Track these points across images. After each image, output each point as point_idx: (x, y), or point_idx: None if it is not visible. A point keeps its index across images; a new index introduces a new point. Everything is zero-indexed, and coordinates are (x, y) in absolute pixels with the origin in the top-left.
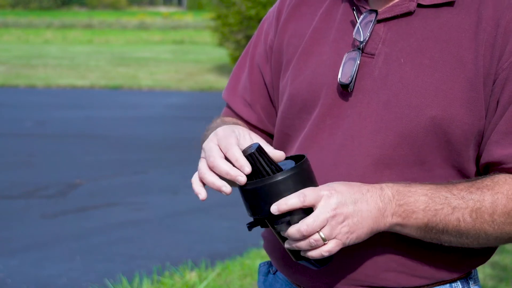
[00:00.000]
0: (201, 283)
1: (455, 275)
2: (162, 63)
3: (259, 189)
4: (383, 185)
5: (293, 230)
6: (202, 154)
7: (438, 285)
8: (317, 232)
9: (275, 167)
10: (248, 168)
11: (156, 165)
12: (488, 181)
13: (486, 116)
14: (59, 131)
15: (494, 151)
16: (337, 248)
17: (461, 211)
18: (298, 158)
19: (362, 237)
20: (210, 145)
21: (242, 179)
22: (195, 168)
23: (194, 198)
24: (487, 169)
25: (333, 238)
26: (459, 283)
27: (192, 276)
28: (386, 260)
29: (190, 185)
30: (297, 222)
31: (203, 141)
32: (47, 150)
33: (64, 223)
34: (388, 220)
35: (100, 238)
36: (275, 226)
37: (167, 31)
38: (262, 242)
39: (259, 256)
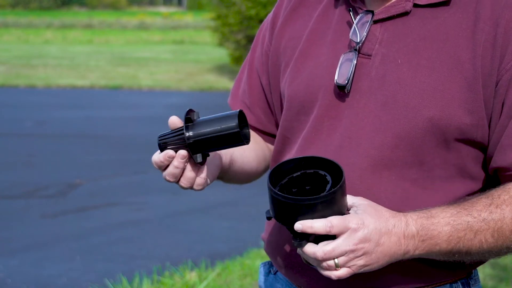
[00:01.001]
0: (201, 283)
1: (455, 276)
2: (162, 63)
3: (294, 206)
4: (409, 218)
5: (310, 251)
6: None
7: (438, 286)
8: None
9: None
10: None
11: None
12: (504, 195)
13: (491, 117)
14: (59, 131)
15: (506, 156)
16: (347, 276)
17: (483, 233)
18: (328, 163)
19: (375, 269)
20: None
21: None
22: None
23: (194, 198)
24: (496, 172)
25: (346, 267)
26: (459, 283)
27: (192, 276)
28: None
29: None
30: (317, 241)
31: None
32: (47, 150)
33: (64, 223)
34: (408, 255)
35: (100, 238)
36: (293, 239)
37: (167, 31)
38: (262, 242)
39: (259, 256)
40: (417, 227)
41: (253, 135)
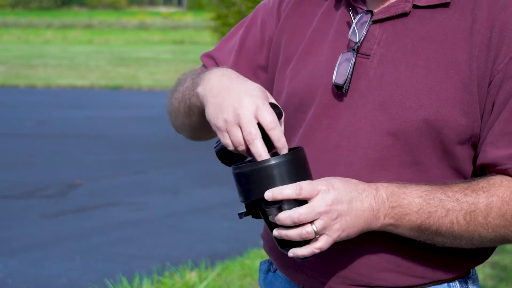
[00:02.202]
0: (201, 283)
1: (453, 275)
2: (162, 63)
3: (253, 173)
4: (379, 185)
5: (284, 215)
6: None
7: (436, 285)
8: (310, 223)
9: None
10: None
11: (156, 165)
12: (483, 183)
13: (482, 118)
14: (59, 131)
15: (489, 152)
16: (327, 245)
17: (455, 214)
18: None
19: (351, 235)
20: (249, 107)
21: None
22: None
23: (194, 198)
24: (483, 170)
25: (324, 234)
26: (457, 282)
27: (192, 276)
28: (383, 259)
29: (190, 185)
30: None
31: (184, 85)
32: (47, 150)
33: (64, 223)
34: (380, 221)
35: (100, 238)
36: (266, 210)
37: (167, 31)
38: (262, 242)
39: (259, 256)
40: (387, 193)
41: None
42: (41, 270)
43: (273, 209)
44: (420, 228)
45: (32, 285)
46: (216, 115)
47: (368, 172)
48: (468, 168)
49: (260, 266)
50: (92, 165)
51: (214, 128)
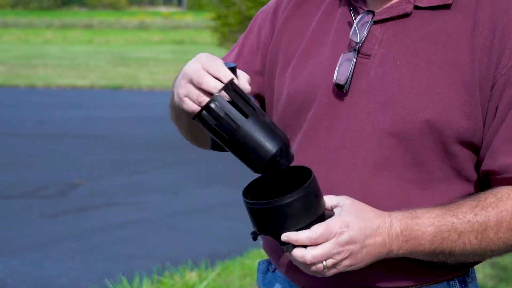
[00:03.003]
0: (201, 283)
1: (452, 274)
2: (162, 63)
3: (268, 211)
4: (393, 218)
5: (298, 254)
6: (181, 80)
7: (435, 284)
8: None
9: (251, 107)
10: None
11: (156, 165)
12: (491, 198)
13: (484, 121)
14: (59, 131)
15: (496, 160)
16: (332, 274)
17: (467, 235)
18: (299, 170)
19: (359, 268)
20: (195, 67)
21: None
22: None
23: (194, 198)
24: (487, 175)
25: (334, 268)
26: (456, 281)
27: (192, 276)
28: (382, 260)
29: (190, 185)
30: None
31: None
32: (47, 150)
33: (64, 223)
34: (393, 254)
35: (100, 238)
36: (281, 246)
37: (167, 31)
38: (261, 241)
39: (259, 256)
40: (401, 227)
41: None
42: (41, 270)
43: (288, 246)
44: (434, 253)
45: (32, 285)
46: (176, 92)
47: (371, 173)
48: (470, 170)
49: (258, 266)
50: (92, 165)
51: (180, 104)
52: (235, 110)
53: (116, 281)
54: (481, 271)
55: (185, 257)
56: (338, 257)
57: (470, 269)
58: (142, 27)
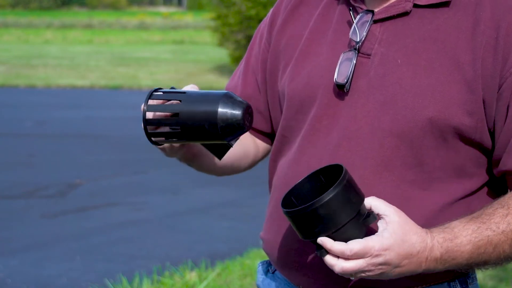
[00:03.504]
0: (201, 283)
1: (453, 275)
2: (162, 63)
3: (301, 216)
4: (435, 243)
5: (329, 262)
6: None
7: (436, 284)
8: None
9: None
10: None
11: (156, 165)
12: None
13: (494, 120)
14: (59, 131)
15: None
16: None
17: (502, 245)
18: (334, 169)
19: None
20: None
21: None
22: None
23: (194, 198)
24: (504, 175)
25: (361, 275)
26: (457, 282)
27: (192, 276)
28: None
29: (190, 185)
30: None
31: None
32: (47, 150)
33: (64, 223)
34: (425, 271)
35: (100, 238)
36: (317, 251)
37: (167, 31)
38: (262, 242)
39: (259, 256)
40: (441, 252)
41: None
42: (41, 270)
43: (323, 251)
44: (469, 266)
45: (32, 285)
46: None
47: (371, 173)
48: (471, 169)
49: (258, 267)
50: (92, 165)
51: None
52: (165, 105)
53: (116, 281)
54: (481, 271)
55: (185, 257)
56: (369, 273)
57: (470, 269)
58: (142, 27)
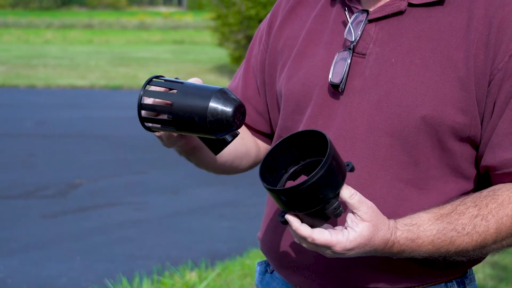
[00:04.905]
0: (201, 283)
1: (450, 275)
2: (162, 63)
3: (281, 194)
4: (396, 242)
5: (302, 233)
6: None
7: (433, 285)
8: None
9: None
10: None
11: (156, 165)
12: (492, 203)
13: (483, 117)
14: (59, 131)
15: (496, 154)
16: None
17: (465, 247)
18: (309, 134)
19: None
20: None
21: None
22: (195, 168)
23: (194, 198)
24: (487, 171)
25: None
26: (454, 282)
27: (192, 276)
28: (380, 261)
29: (190, 185)
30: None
31: None
32: (47, 150)
33: (64, 223)
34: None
35: (100, 238)
36: (279, 217)
37: (167, 31)
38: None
39: (259, 256)
40: (399, 250)
41: (241, 130)
42: (41, 270)
43: (285, 221)
44: (426, 258)
45: (32, 285)
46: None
47: (367, 172)
48: (467, 168)
49: (256, 267)
50: (92, 165)
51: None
52: (161, 93)
53: (116, 281)
54: (481, 271)
55: (185, 257)
56: (324, 253)
57: (468, 270)
58: (142, 27)
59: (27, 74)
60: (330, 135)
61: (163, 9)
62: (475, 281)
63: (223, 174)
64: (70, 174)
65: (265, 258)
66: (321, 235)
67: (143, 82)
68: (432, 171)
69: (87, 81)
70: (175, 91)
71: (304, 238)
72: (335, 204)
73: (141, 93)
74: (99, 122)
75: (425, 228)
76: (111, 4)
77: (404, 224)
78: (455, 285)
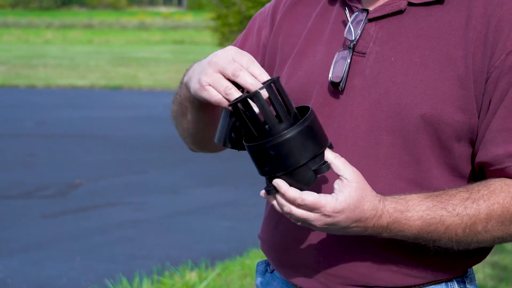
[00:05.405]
0: (201, 283)
1: (451, 275)
2: (162, 63)
3: (267, 150)
4: (385, 212)
5: (280, 201)
6: (207, 68)
7: (434, 284)
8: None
9: (287, 110)
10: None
11: (156, 165)
12: (484, 190)
13: (479, 115)
14: (59, 131)
15: (487, 150)
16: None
17: (454, 228)
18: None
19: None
20: (227, 58)
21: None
22: (195, 168)
23: (194, 198)
24: (481, 168)
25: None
26: (455, 282)
27: (192, 276)
28: (381, 259)
29: (190, 185)
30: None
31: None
32: (47, 150)
33: (64, 223)
34: (369, 235)
35: (100, 238)
36: (267, 189)
37: (167, 31)
38: (260, 243)
39: (259, 256)
40: (389, 221)
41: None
42: (41, 270)
43: (272, 190)
44: (417, 239)
45: (32, 285)
46: (196, 80)
47: (368, 171)
48: (466, 167)
49: (257, 267)
50: (92, 165)
51: (199, 92)
52: (270, 112)
53: (116, 281)
54: (481, 271)
55: (185, 257)
56: (314, 226)
57: (469, 269)
58: (142, 27)
59: (27, 74)
60: (330, 134)
61: (163, 9)
62: (475, 280)
63: (199, 149)
64: (70, 174)
65: (265, 258)
66: (311, 195)
67: (143, 82)
68: (433, 170)
69: (87, 81)
70: (280, 120)
71: (293, 201)
72: (321, 161)
73: (264, 86)
74: (99, 122)
75: (414, 203)
76: (111, 4)
77: (392, 197)
78: (456, 284)
